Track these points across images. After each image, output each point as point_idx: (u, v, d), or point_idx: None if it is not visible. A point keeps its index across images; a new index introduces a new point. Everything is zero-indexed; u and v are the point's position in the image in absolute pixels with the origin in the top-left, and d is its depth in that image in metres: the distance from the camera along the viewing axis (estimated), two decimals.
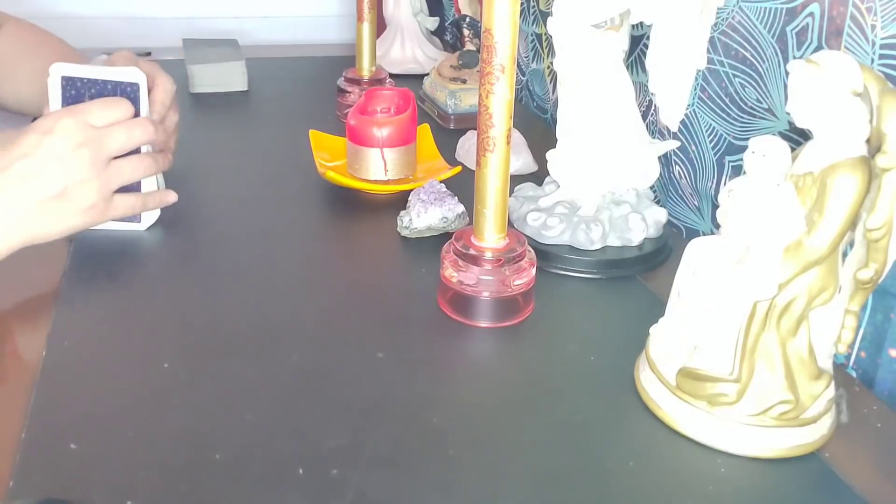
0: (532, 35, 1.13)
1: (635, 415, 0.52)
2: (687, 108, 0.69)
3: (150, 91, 0.72)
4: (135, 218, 0.71)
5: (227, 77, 1.13)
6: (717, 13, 0.67)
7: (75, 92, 0.69)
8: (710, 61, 0.72)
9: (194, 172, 0.77)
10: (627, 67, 0.70)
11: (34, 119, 0.68)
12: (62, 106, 0.68)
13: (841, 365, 0.61)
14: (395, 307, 0.63)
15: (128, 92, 0.69)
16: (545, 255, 0.69)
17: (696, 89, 0.76)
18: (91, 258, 0.67)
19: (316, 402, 0.52)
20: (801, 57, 0.54)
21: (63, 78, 0.68)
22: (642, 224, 0.70)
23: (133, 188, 0.70)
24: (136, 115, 0.69)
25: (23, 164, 0.61)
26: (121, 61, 0.74)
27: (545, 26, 1.05)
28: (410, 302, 0.64)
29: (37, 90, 0.86)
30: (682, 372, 0.51)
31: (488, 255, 0.60)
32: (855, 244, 0.47)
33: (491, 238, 0.60)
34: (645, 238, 0.71)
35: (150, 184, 0.71)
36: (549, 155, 0.73)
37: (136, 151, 0.69)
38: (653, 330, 0.55)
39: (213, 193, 0.77)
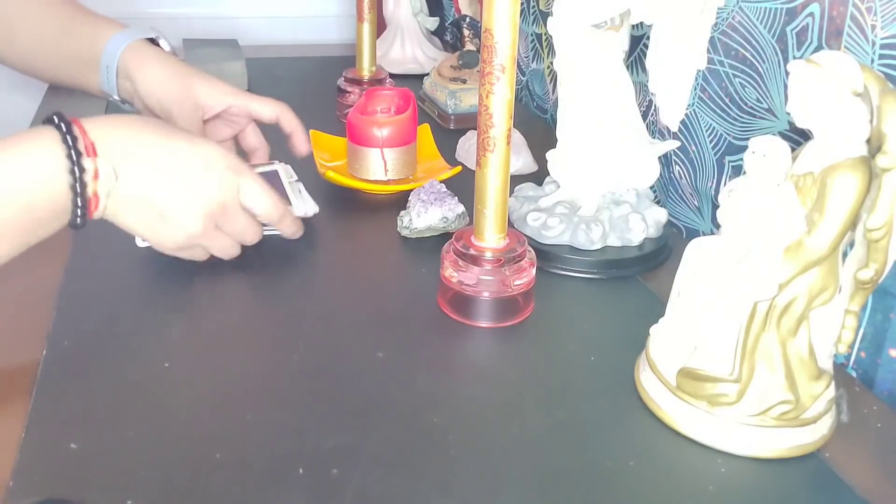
0: (532, 35, 1.13)
1: (635, 415, 0.52)
2: (687, 108, 0.69)
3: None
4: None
5: (227, 77, 1.13)
6: (717, 13, 0.67)
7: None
8: (710, 61, 0.72)
9: None
10: (627, 67, 0.70)
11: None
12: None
13: (841, 365, 0.61)
14: (395, 307, 0.63)
15: (270, 179, 0.69)
16: (545, 255, 0.69)
17: (696, 89, 0.76)
18: (91, 258, 0.67)
19: (316, 401, 0.52)
20: (801, 57, 0.54)
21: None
22: (642, 224, 0.70)
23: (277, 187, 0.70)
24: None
25: (165, 160, 0.58)
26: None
27: (545, 26, 1.05)
28: (410, 302, 0.64)
29: (42, 46, 0.81)
30: (682, 372, 0.51)
31: (488, 255, 0.60)
32: (855, 244, 0.47)
33: (491, 238, 0.60)
34: (645, 238, 0.71)
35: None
36: (549, 155, 0.73)
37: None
38: (653, 330, 0.55)
39: None
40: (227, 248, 0.64)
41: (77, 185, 0.53)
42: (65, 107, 0.59)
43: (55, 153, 0.53)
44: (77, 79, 0.81)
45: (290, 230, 0.69)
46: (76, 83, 0.81)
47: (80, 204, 0.54)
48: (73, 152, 0.53)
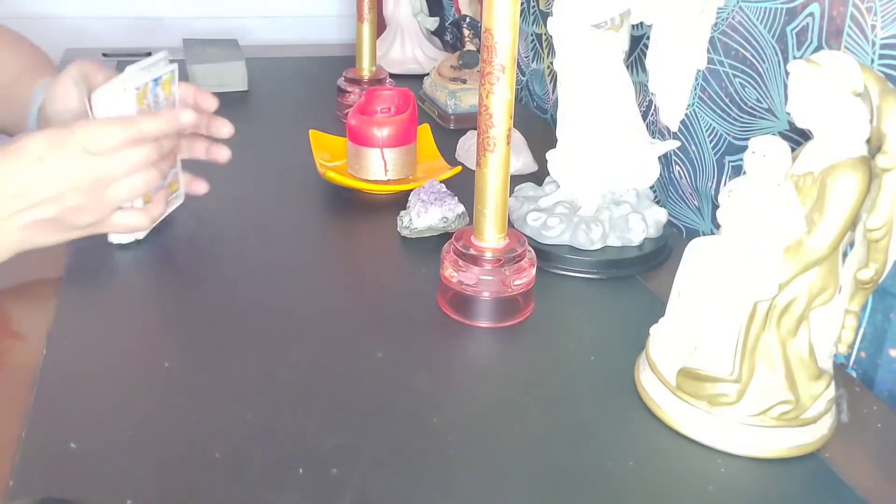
0: (532, 35, 1.13)
1: (635, 415, 0.52)
2: (687, 108, 0.69)
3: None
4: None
5: (228, 77, 1.13)
6: (717, 13, 0.67)
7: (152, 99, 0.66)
8: (710, 61, 0.72)
9: (194, 172, 0.77)
10: (627, 67, 0.70)
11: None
12: None
13: (841, 365, 0.61)
14: (395, 307, 0.63)
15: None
16: (545, 255, 0.69)
17: (696, 89, 0.76)
18: (91, 257, 0.67)
19: (316, 401, 0.52)
20: (801, 57, 0.54)
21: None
22: (642, 224, 0.70)
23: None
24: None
25: (16, 181, 0.59)
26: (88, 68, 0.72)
27: (545, 26, 1.05)
28: (410, 302, 0.64)
29: (7, 110, 0.80)
30: (682, 372, 0.51)
31: (488, 255, 0.60)
32: (855, 244, 0.47)
33: (491, 238, 0.60)
34: (645, 238, 0.71)
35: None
36: (549, 155, 0.73)
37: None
38: (653, 330, 0.55)
39: (213, 193, 0.77)
40: (133, 187, 0.64)
41: None
42: None
43: None
44: (8, 121, 0.80)
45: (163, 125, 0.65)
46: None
47: None
48: None
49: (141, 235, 0.70)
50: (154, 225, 0.70)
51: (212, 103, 0.76)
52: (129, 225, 0.66)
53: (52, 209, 0.60)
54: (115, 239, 0.69)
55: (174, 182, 0.74)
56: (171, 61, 0.71)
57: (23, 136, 0.61)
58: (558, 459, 0.48)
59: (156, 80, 0.67)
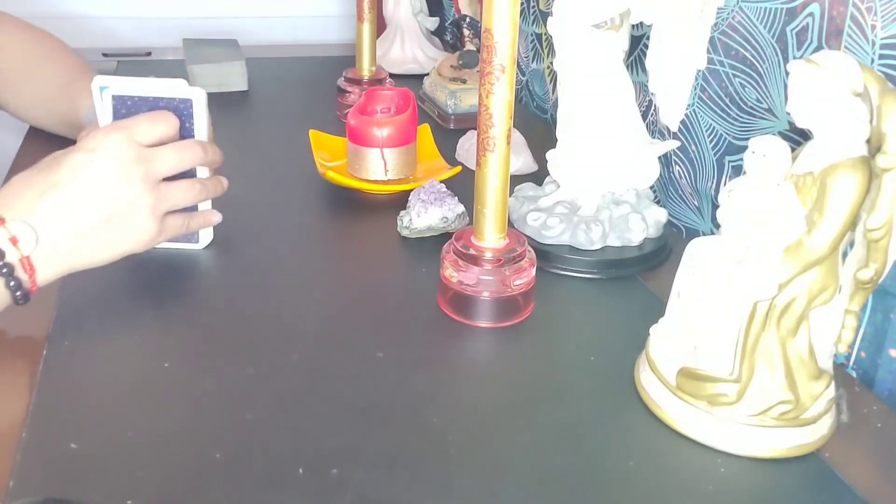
0: (532, 35, 1.13)
1: (635, 415, 0.52)
2: (687, 108, 0.69)
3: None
4: (192, 238, 0.69)
5: (227, 77, 1.13)
6: (717, 13, 0.67)
7: (125, 111, 0.64)
8: (710, 61, 0.72)
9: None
10: (627, 67, 0.70)
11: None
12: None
13: (841, 365, 0.61)
14: (395, 307, 0.63)
15: (181, 109, 0.65)
16: (545, 255, 0.69)
17: (696, 89, 0.76)
18: None
19: (316, 401, 0.52)
20: (801, 57, 0.54)
21: (113, 97, 0.64)
22: (642, 224, 0.70)
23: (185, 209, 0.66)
24: (189, 135, 0.65)
25: (66, 189, 0.56)
26: None
27: (545, 26, 1.05)
28: (410, 302, 0.64)
29: (44, 109, 0.86)
30: (682, 372, 0.51)
31: (488, 255, 0.60)
32: (855, 244, 0.47)
33: (491, 238, 0.60)
34: (645, 238, 0.71)
35: (205, 204, 0.69)
36: (549, 155, 0.73)
37: (190, 174, 0.65)
38: (653, 330, 0.55)
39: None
40: (188, 192, 0.64)
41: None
42: (46, 144, 0.58)
43: None
44: (71, 135, 0.83)
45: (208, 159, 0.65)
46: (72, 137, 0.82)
47: (12, 277, 0.54)
48: None
49: (199, 246, 0.70)
50: (207, 237, 0.70)
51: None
52: (176, 227, 0.64)
53: (105, 209, 0.58)
54: (169, 245, 0.68)
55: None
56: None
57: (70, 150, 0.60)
58: (558, 459, 0.48)
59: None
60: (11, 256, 0.54)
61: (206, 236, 0.71)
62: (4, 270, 0.54)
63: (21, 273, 0.55)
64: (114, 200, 0.58)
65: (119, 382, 0.53)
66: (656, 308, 0.58)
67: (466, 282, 0.60)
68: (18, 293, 0.55)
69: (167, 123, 0.62)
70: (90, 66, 0.90)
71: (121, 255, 0.61)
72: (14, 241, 0.54)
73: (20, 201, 0.56)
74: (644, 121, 0.74)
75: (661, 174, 0.75)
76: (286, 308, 0.62)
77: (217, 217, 0.70)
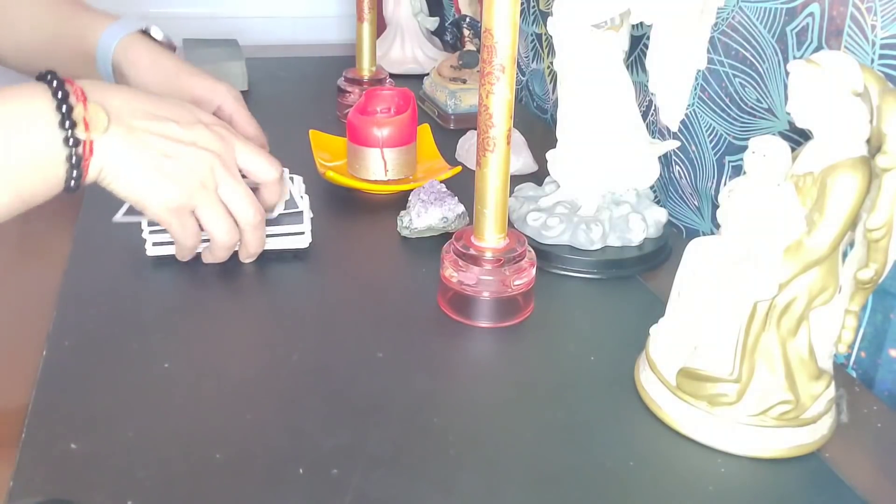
0: (532, 35, 1.13)
1: (635, 415, 0.52)
2: (687, 108, 0.69)
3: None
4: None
5: (227, 77, 1.13)
6: (717, 13, 0.67)
7: None
8: (710, 61, 0.72)
9: None
10: (627, 67, 0.70)
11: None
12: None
13: (841, 365, 0.61)
14: (395, 307, 0.63)
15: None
16: (545, 255, 0.69)
17: (696, 89, 0.76)
18: (92, 258, 0.67)
19: (316, 401, 0.52)
20: (801, 57, 0.54)
21: None
22: (642, 224, 0.70)
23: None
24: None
25: (156, 114, 0.57)
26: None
27: (545, 26, 1.05)
28: (410, 302, 0.64)
29: (39, 42, 0.81)
30: (682, 372, 0.51)
31: (488, 255, 0.60)
32: (855, 244, 0.47)
33: (491, 238, 0.60)
34: (645, 238, 0.71)
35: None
36: (549, 155, 0.73)
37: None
38: (653, 330, 0.55)
39: None
40: (220, 219, 0.61)
41: (68, 131, 0.52)
42: None
43: (45, 104, 0.52)
44: (75, 74, 0.81)
45: (273, 200, 0.66)
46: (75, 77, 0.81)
47: (73, 151, 0.52)
48: (62, 101, 0.52)
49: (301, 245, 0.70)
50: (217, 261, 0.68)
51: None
52: (221, 241, 0.63)
53: (176, 130, 0.58)
54: (152, 251, 0.68)
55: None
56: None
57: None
58: (558, 459, 0.48)
59: None
60: (81, 134, 0.53)
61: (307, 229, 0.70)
62: (71, 141, 0.52)
63: (84, 153, 0.53)
64: (183, 155, 0.57)
65: (119, 382, 0.53)
66: (656, 308, 0.58)
67: (466, 282, 0.60)
68: (75, 173, 0.53)
69: (267, 161, 0.63)
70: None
71: (145, 196, 0.57)
72: (87, 123, 0.53)
73: (110, 91, 0.56)
74: (644, 121, 0.74)
75: (661, 174, 0.75)
76: (286, 308, 0.62)
77: (223, 256, 0.66)
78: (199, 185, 0.59)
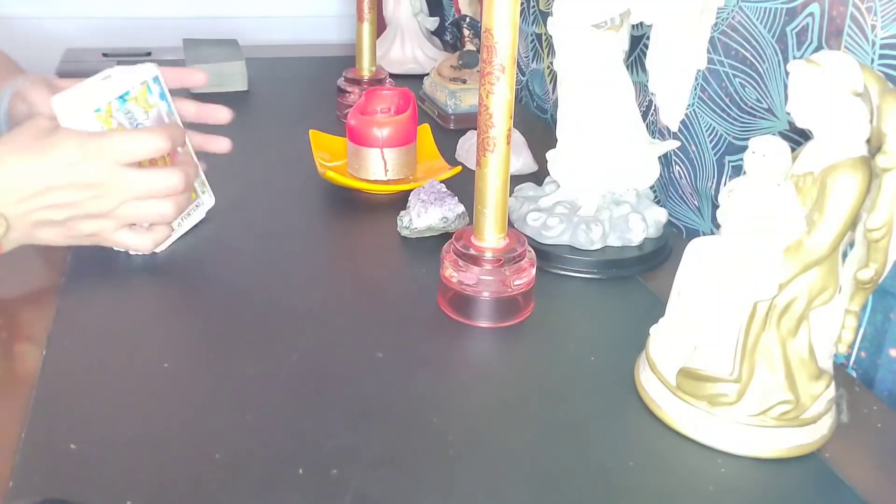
0: (532, 35, 1.13)
1: (635, 415, 0.52)
2: (687, 108, 0.69)
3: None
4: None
5: (227, 77, 1.13)
6: (717, 13, 0.67)
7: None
8: (710, 61, 0.72)
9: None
10: (627, 67, 0.70)
11: None
12: None
13: (841, 365, 0.61)
14: (395, 307, 0.63)
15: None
16: (545, 255, 0.69)
17: (696, 89, 0.76)
18: (92, 258, 0.67)
19: (316, 402, 0.52)
20: (801, 57, 0.54)
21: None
22: (642, 224, 0.70)
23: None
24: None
25: (42, 181, 0.59)
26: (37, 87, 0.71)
27: (545, 26, 1.05)
28: (410, 302, 0.64)
29: None
30: (682, 372, 0.51)
31: (488, 255, 0.60)
32: (855, 244, 0.47)
33: (491, 238, 0.60)
34: (645, 238, 0.71)
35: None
36: (549, 155, 0.73)
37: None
38: (653, 330, 0.55)
39: (213, 193, 0.76)
40: (149, 211, 0.64)
41: None
42: None
43: None
44: None
45: (178, 139, 0.65)
46: None
47: None
48: None
49: (158, 250, 0.69)
50: (158, 248, 0.69)
51: (223, 116, 0.74)
52: (129, 245, 0.66)
53: (66, 213, 0.61)
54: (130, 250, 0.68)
55: (192, 193, 0.71)
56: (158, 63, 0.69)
57: (57, 133, 0.60)
58: (558, 459, 0.48)
59: (122, 97, 0.65)
60: None
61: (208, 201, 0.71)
62: None
63: None
64: (72, 210, 0.61)
65: (119, 382, 0.53)
66: (656, 308, 0.58)
67: (466, 282, 0.60)
68: None
69: (147, 138, 0.63)
70: (9, 61, 0.83)
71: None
72: None
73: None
74: (644, 121, 0.74)
75: (661, 174, 0.75)
76: (286, 308, 0.62)
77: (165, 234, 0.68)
78: (107, 221, 0.63)
